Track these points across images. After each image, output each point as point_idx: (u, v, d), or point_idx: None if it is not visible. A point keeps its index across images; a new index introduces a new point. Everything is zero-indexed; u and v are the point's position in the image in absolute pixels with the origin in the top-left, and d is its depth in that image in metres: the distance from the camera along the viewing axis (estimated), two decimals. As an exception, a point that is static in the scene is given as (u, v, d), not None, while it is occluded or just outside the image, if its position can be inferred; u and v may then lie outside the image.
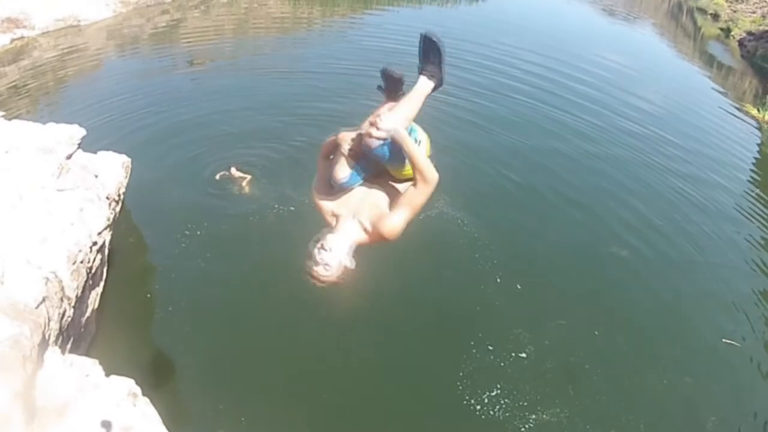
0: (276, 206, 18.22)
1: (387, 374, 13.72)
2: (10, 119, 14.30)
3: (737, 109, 33.30)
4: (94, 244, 12.34)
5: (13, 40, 25.37)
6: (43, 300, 9.84)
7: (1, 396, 7.72)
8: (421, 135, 7.11)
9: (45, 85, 23.71)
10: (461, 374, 13.65)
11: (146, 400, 9.52)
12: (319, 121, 23.14)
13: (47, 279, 10.29)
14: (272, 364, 13.41)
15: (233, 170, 19.01)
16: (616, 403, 13.73)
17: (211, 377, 13.07)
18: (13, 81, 22.71)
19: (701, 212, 21.33)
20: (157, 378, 12.18)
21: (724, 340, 15.77)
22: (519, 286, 16.34)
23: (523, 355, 14.34)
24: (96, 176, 13.42)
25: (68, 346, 11.09)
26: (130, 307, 14.49)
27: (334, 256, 6.29)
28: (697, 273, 18.42)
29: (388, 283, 15.86)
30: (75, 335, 11.58)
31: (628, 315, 16.34)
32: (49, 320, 9.83)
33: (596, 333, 15.42)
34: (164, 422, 9.43)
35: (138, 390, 9.58)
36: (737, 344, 15.69)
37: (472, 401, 13.10)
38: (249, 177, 19.05)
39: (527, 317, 15.43)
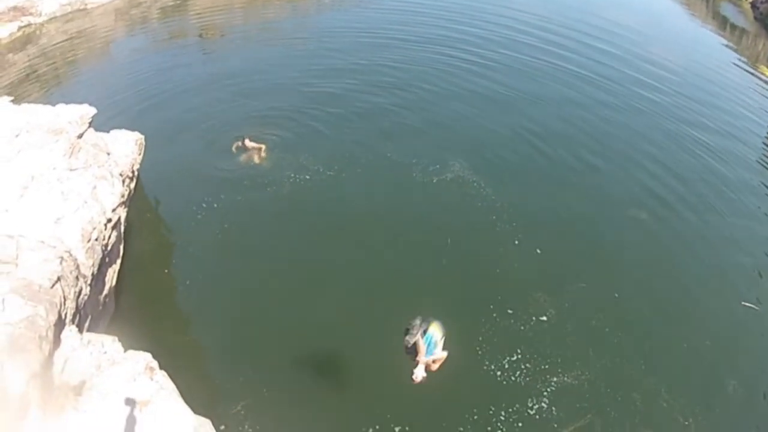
0: (292, 175, 18.17)
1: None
2: (19, 103, 14.25)
3: (751, 69, 32.59)
4: (109, 221, 12.35)
5: (20, 28, 25.15)
6: (58, 279, 9.85)
7: (18, 377, 7.78)
8: (437, 336, 10.71)
9: (55, 69, 23.62)
10: (480, 339, 13.60)
11: (163, 373, 9.54)
12: (330, 89, 23.08)
13: (62, 258, 10.30)
14: (292, 336, 13.40)
15: (247, 141, 18.92)
16: (638, 366, 13.65)
17: (230, 349, 13.15)
18: (24, 67, 22.61)
19: (718, 177, 20.97)
20: (176, 352, 12.17)
21: (743, 303, 15.58)
22: (538, 250, 16.17)
23: (544, 318, 14.23)
24: (108, 154, 13.39)
25: (86, 324, 11.14)
26: (148, 282, 14.55)
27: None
28: (716, 237, 18.14)
29: (407, 247, 15.87)
30: (93, 313, 11.64)
31: (647, 278, 16.13)
32: (65, 299, 9.85)
33: (616, 295, 15.28)
34: (183, 395, 9.49)
35: (155, 363, 9.61)
36: (756, 307, 15.51)
37: (493, 366, 13.07)
38: (263, 147, 18.96)
39: (547, 280, 15.31)
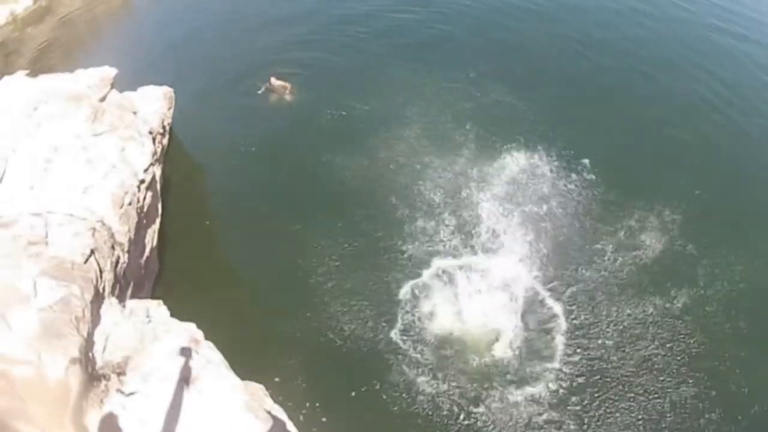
0: (328, 111, 17.55)
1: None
2: (36, 75, 13.75)
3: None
4: (142, 182, 11.99)
5: (36, 1, 24.24)
6: (92, 253, 9.59)
7: (57, 365, 7.57)
8: None
9: (76, 35, 22.62)
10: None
11: (209, 344, 9.28)
12: (356, 24, 21.92)
13: (94, 229, 10.03)
14: (338, 285, 13.07)
15: (273, 80, 18.22)
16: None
17: (275, 301, 12.90)
18: (44, 40, 21.68)
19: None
20: (222, 309, 12.03)
21: None
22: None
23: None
24: (135, 113, 12.91)
25: (128, 291, 10.96)
26: (191, 238, 14.27)
27: None
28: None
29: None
30: (135, 279, 11.45)
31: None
32: (101, 272, 9.61)
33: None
34: (230, 360, 9.28)
35: (200, 335, 9.33)
36: None
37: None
38: (290, 85, 18.28)
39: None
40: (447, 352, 12.06)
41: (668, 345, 12.36)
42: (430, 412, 11.10)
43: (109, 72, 13.33)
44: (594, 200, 15.10)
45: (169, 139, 14.97)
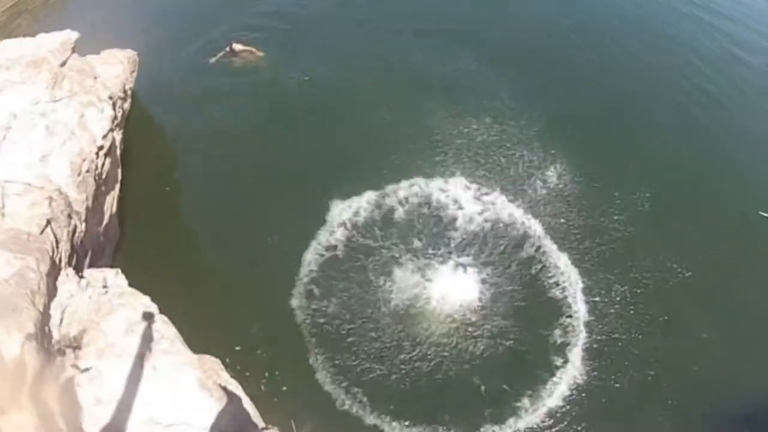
0: (292, 76, 17.61)
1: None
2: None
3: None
4: (100, 148, 11.83)
5: None
6: (48, 223, 9.52)
7: (13, 342, 7.50)
8: None
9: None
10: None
11: (164, 318, 9.27)
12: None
13: (51, 198, 9.93)
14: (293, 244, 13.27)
15: (235, 45, 18.04)
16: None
17: (234, 270, 12.96)
18: (11, 4, 20.93)
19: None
20: (183, 279, 12.22)
21: (760, 212, 15.05)
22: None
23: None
24: (95, 78, 12.66)
25: (86, 260, 10.93)
26: (152, 204, 14.21)
27: None
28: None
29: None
30: (93, 246, 11.40)
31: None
32: (57, 242, 9.56)
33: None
34: (190, 336, 9.32)
35: (154, 308, 9.30)
36: None
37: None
38: (253, 49, 18.16)
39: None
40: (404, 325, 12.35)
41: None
42: (386, 370, 11.52)
43: (70, 36, 12.98)
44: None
45: (132, 104, 14.73)
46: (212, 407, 7.88)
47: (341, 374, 11.48)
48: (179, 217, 14.25)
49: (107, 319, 8.86)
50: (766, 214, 14.72)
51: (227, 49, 17.95)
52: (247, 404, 8.62)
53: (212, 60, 17.86)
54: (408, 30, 19.69)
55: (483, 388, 11.51)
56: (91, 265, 10.98)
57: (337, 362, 11.66)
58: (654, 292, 13.24)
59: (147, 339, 8.55)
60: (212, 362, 9.06)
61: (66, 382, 7.90)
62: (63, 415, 7.65)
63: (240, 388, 8.91)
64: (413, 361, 11.72)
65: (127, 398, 7.69)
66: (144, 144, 15.26)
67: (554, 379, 11.80)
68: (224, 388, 8.44)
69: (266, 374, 11.15)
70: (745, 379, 12.17)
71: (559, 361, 12.08)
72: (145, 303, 9.32)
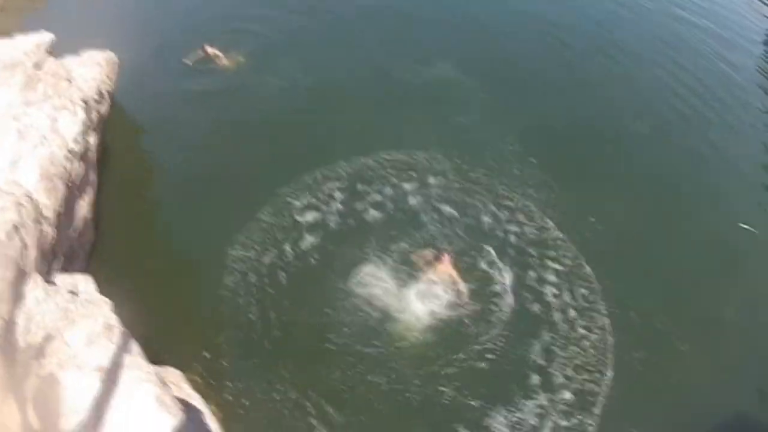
0: (271, 80, 17.64)
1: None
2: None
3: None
4: (71, 152, 11.68)
5: None
6: (16, 229, 9.38)
7: (-24, 351, 7.42)
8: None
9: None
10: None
11: (125, 330, 9.03)
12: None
13: (20, 204, 9.81)
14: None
15: (207, 48, 17.92)
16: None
17: (211, 278, 12.72)
18: None
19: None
20: (155, 285, 12.14)
21: (740, 224, 15.05)
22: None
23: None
24: (69, 81, 12.52)
25: (57, 266, 10.80)
26: (130, 209, 14.12)
27: None
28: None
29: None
30: (65, 252, 11.29)
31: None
32: (25, 248, 9.43)
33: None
34: (154, 344, 9.23)
35: (114, 320, 9.08)
36: (755, 231, 14.96)
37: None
38: (220, 54, 18.02)
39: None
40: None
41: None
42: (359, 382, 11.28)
43: (44, 37, 12.85)
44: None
45: (112, 107, 14.59)
46: (170, 425, 7.70)
47: (310, 387, 11.17)
48: (156, 221, 14.11)
49: (70, 329, 8.74)
50: (746, 226, 14.61)
51: (200, 52, 17.86)
52: (209, 419, 8.48)
53: (189, 62, 17.75)
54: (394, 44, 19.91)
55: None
56: (65, 270, 10.88)
57: (306, 374, 11.38)
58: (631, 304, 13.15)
59: (107, 351, 8.40)
60: (174, 375, 8.93)
61: (30, 393, 7.79)
62: (27, 424, 7.57)
63: (203, 401, 8.78)
64: (388, 373, 11.52)
65: (83, 412, 7.54)
66: (123, 147, 15.12)
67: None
68: (186, 402, 8.30)
69: (230, 385, 10.79)
70: (721, 392, 12.08)
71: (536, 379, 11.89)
72: (106, 314, 9.17)
